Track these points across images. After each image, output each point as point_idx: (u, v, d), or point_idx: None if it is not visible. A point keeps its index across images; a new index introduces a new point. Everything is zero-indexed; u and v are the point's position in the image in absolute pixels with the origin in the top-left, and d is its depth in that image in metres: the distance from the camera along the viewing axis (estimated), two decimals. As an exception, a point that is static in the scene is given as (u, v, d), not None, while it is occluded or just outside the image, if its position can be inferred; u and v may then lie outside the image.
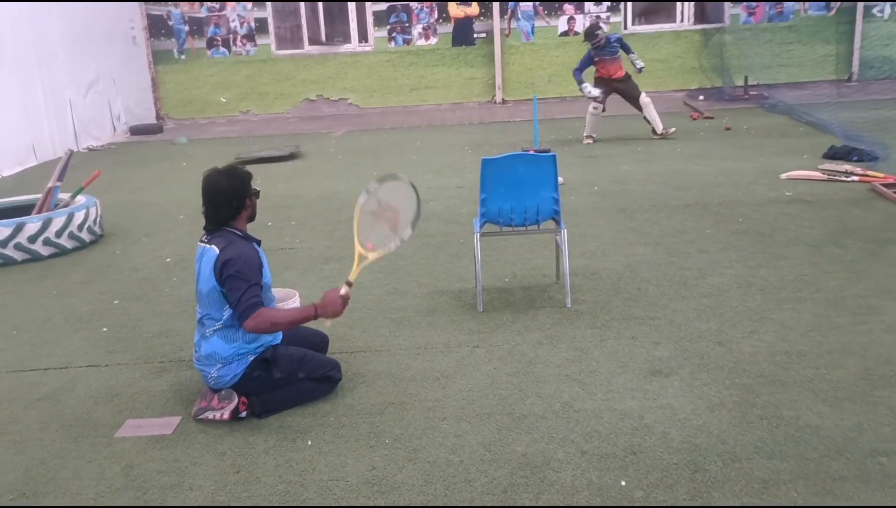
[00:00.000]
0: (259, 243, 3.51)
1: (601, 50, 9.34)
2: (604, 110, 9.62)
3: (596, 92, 9.30)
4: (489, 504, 2.67)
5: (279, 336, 3.49)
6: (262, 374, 3.34)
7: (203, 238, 3.42)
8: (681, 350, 3.74)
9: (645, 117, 9.55)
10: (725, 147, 8.80)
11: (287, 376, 3.37)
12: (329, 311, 3.24)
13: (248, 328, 3.20)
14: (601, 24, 9.39)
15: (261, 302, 3.22)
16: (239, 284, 3.19)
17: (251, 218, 3.50)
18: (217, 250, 3.28)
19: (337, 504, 2.72)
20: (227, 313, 3.30)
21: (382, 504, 2.71)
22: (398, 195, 3.42)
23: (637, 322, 4.10)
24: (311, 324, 3.41)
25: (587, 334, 3.99)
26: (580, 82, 9.39)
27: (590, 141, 9.59)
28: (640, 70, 9.46)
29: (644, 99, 9.42)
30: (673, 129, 9.62)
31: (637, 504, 2.61)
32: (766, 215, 5.93)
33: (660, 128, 9.47)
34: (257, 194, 3.49)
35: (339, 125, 12.79)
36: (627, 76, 9.49)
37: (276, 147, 10.41)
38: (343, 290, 3.26)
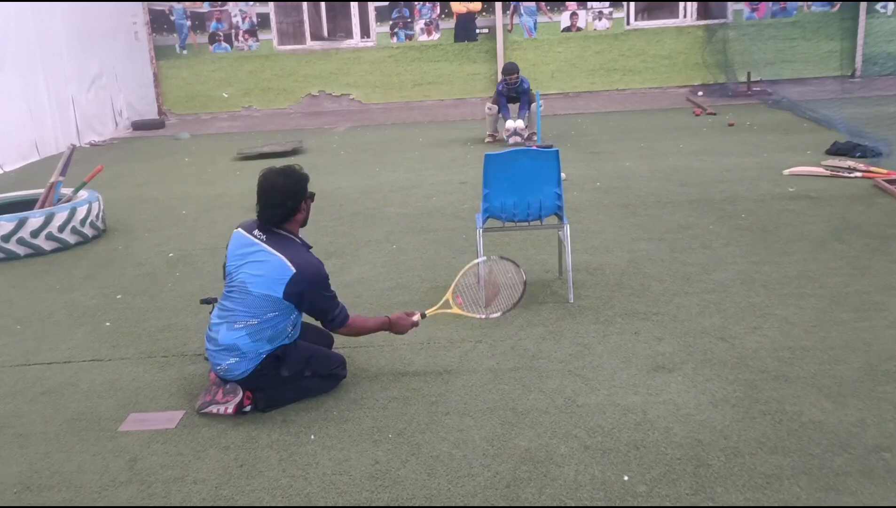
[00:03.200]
0: (311, 248, 3.48)
1: (511, 87, 9.42)
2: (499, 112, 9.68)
3: (516, 130, 9.31)
4: (492, 498, 2.67)
5: (297, 335, 3.47)
6: (270, 372, 3.33)
7: (256, 234, 3.33)
8: (684, 346, 3.74)
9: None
10: (728, 143, 8.79)
11: (294, 374, 3.36)
12: (397, 328, 3.55)
13: (341, 333, 3.49)
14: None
15: (347, 311, 3.43)
16: (329, 300, 3.36)
17: (304, 222, 3.47)
18: (286, 262, 3.21)
19: (340, 498, 2.73)
20: (270, 315, 3.24)
21: (386, 498, 2.71)
22: (508, 282, 3.67)
23: (640, 318, 4.10)
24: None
25: (590, 329, 3.99)
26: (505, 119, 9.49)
27: (490, 139, 9.72)
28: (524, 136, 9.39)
29: (533, 108, 9.34)
30: (488, 138, 9.67)
31: (640, 499, 2.61)
32: (770, 211, 5.93)
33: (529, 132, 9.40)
34: (313, 197, 3.47)
35: (341, 121, 12.78)
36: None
37: (279, 143, 10.41)
38: (416, 317, 3.58)
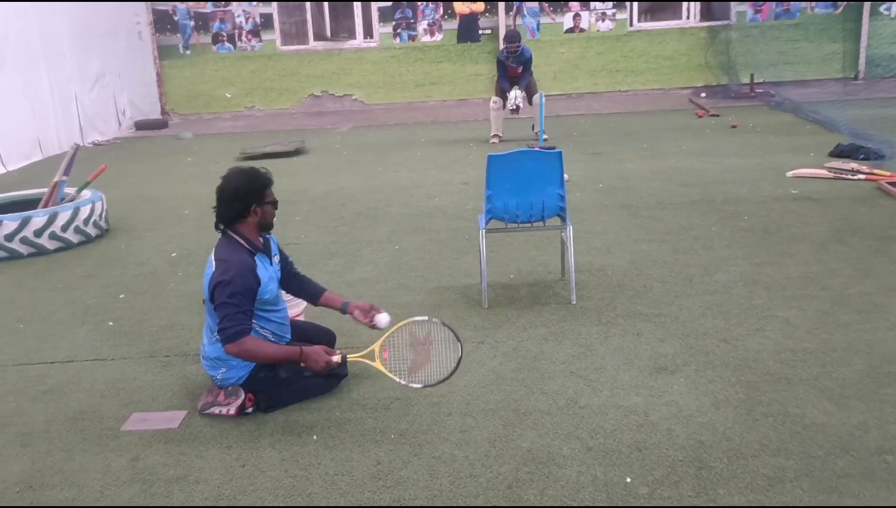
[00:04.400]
0: (268, 254, 3.38)
1: (512, 56, 9.39)
2: (504, 107, 9.65)
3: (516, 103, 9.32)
4: (494, 499, 2.67)
5: (288, 336, 3.47)
6: (267, 375, 3.33)
7: (216, 240, 3.35)
8: (686, 347, 3.74)
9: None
10: (731, 145, 8.78)
11: (293, 375, 3.36)
12: (310, 362, 3.24)
13: (228, 352, 3.17)
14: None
15: (247, 329, 3.15)
16: (225, 309, 3.11)
17: (265, 228, 3.35)
18: (214, 265, 3.20)
19: (342, 498, 2.73)
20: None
21: (388, 498, 2.71)
22: (444, 355, 3.25)
23: (642, 319, 4.10)
24: (315, 320, 3.39)
25: (592, 330, 3.99)
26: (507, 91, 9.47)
27: (496, 140, 9.68)
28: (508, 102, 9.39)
29: (536, 99, 9.31)
30: (493, 139, 9.61)
31: (642, 500, 2.61)
32: (772, 213, 5.92)
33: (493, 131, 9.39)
34: (274, 204, 3.34)
35: (343, 121, 12.78)
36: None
37: (281, 143, 10.42)
38: (336, 357, 3.27)
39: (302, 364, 3.28)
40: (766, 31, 13.43)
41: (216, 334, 3.24)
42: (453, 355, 3.23)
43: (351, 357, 3.31)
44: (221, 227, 3.32)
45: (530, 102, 9.43)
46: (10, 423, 3.40)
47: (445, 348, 3.26)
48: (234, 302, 3.11)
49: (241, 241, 3.28)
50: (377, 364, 3.26)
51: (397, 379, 3.24)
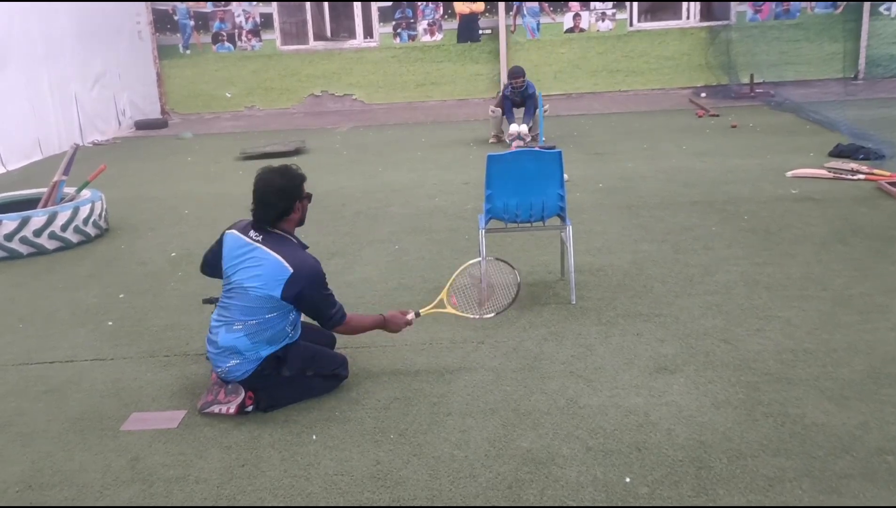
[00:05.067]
0: (307, 248, 3.47)
1: (517, 91, 9.36)
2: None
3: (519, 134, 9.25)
4: (494, 499, 2.67)
5: (297, 335, 3.47)
6: (271, 372, 3.33)
7: (252, 235, 3.32)
8: (686, 347, 3.74)
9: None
10: (731, 145, 8.78)
11: (295, 374, 3.36)
12: (392, 326, 3.57)
13: (337, 331, 3.49)
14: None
15: (344, 310, 3.43)
16: (326, 299, 3.34)
17: (300, 222, 3.45)
18: (283, 262, 3.21)
19: (342, 498, 2.73)
20: (268, 315, 3.24)
21: (387, 498, 2.71)
22: (503, 282, 3.69)
23: (642, 319, 4.10)
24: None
25: (592, 330, 3.99)
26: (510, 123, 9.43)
27: (495, 140, 9.73)
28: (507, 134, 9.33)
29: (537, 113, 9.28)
30: (492, 139, 9.54)
31: (642, 501, 2.61)
32: (773, 213, 5.92)
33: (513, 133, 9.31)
34: (309, 197, 3.45)
35: (344, 121, 12.78)
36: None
37: (281, 142, 10.42)
38: (410, 316, 3.60)
39: (385, 329, 3.57)
40: (767, 31, 13.43)
41: (246, 324, 3.24)
42: (513, 281, 3.70)
43: (424, 311, 3.65)
44: (259, 226, 3.34)
45: (532, 137, 9.37)
46: (10, 423, 3.40)
47: (503, 277, 3.73)
48: (328, 292, 3.37)
49: (290, 237, 3.38)
50: (449, 310, 3.65)
51: (471, 316, 3.70)
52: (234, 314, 3.29)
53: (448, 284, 3.71)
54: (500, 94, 9.65)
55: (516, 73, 9.37)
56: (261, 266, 3.24)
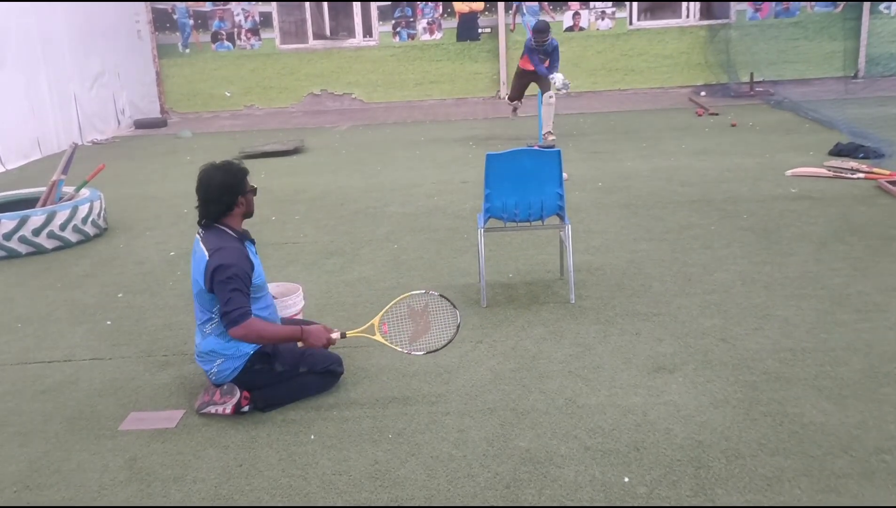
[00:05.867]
0: (254, 242, 3.47)
1: (541, 48, 9.20)
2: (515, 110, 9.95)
3: (564, 83, 9.16)
4: (492, 499, 2.66)
5: (277, 321, 3.46)
6: (263, 367, 3.33)
7: (199, 232, 3.38)
8: (685, 347, 3.73)
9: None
10: (730, 143, 8.78)
11: (289, 369, 3.36)
12: (311, 340, 3.33)
13: (234, 335, 3.21)
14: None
15: (249, 311, 3.21)
16: (228, 292, 3.16)
17: (247, 215, 3.45)
18: (207, 254, 3.22)
19: (339, 498, 2.72)
20: (217, 310, 3.27)
21: (385, 498, 2.70)
22: (441, 323, 3.42)
23: (641, 318, 4.09)
24: (313, 320, 3.40)
25: (591, 329, 3.99)
26: (547, 75, 9.22)
27: (513, 116, 10.11)
28: (554, 87, 9.23)
29: (548, 99, 9.16)
30: (553, 137, 9.32)
31: (640, 500, 2.61)
32: (772, 212, 5.92)
33: (543, 131, 9.22)
34: (254, 191, 3.44)
35: (343, 120, 12.78)
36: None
37: (281, 141, 10.41)
38: (335, 335, 3.39)
39: (300, 344, 3.35)
40: (766, 30, 13.42)
41: (210, 324, 3.29)
42: (452, 321, 3.39)
43: (350, 333, 3.41)
44: (204, 222, 3.37)
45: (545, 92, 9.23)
46: (7, 422, 3.39)
47: (444, 316, 3.41)
48: (235, 285, 3.17)
49: (228, 230, 3.35)
50: (378, 337, 3.39)
51: (399, 349, 3.38)
52: (199, 317, 3.35)
53: (383, 311, 3.45)
54: (525, 48, 9.41)
55: (542, 28, 9.02)
56: (198, 261, 3.28)
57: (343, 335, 3.40)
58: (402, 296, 3.45)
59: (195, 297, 3.34)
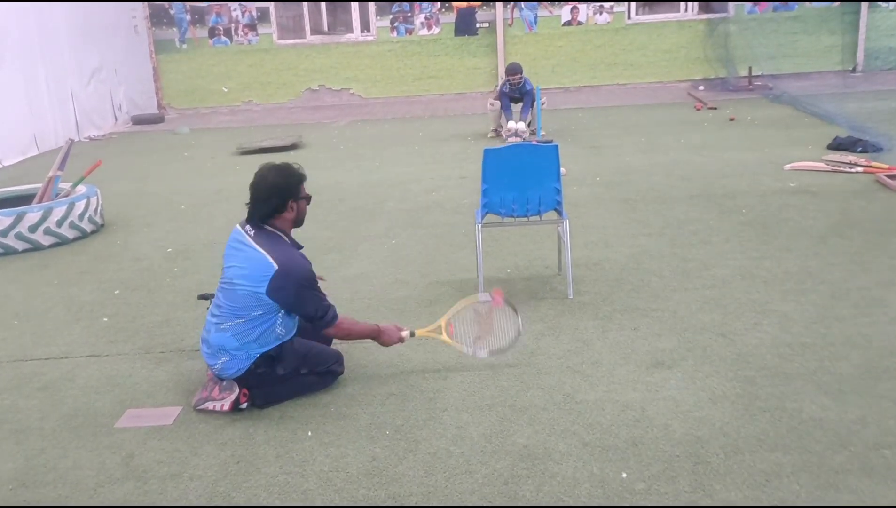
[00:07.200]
0: (301, 248, 3.43)
1: (514, 89, 9.32)
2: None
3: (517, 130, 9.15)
4: (490, 495, 2.66)
5: (290, 335, 3.45)
6: (265, 370, 3.31)
7: (247, 229, 3.31)
8: (683, 342, 3.72)
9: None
10: (729, 138, 8.76)
11: (290, 372, 3.34)
12: (385, 339, 3.51)
13: (328, 334, 3.42)
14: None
15: (336, 312, 3.36)
16: (313, 297, 3.28)
17: (297, 223, 3.40)
18: (270, 259, 3.18)
19: (337, 495, 2.71)
20: (255, 313, 3.22)
21: (383, 495, 2.70)
22: (505, 327, 3.62)
23: (639, 314, 4.08)
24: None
25: (589, 325, 3.98)
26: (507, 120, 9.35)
27: (493, 134, 9.69)
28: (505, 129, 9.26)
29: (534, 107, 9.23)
30: (491, 133, 9.44)
31: (638, 496, 2.60)
32: (770, 206, 5.91)
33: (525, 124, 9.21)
34: (308, 199, 3.40)
35: (341, 115, 12.75)
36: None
37: (278, 137, 10.38)
38: (405, 333, 3.55)
39: (374, 339, 3.51)
40: (765, 24, 13.39)
41: (234, 321, 3.22)
42: (513, 327, 3.60)
43: (419, 332, 3.58)
44: (253, 221, 3.32)
45: (531, 131, 9.29)
46: (3, 420, 3.38)
47: (506, 321, 3.62)
48: (317, 292, 3.31)
49: (282, 236, 3.33)
50: (444, 338, 3.57)
51: (463, 350, 3.57)
52: (223, 313, 3.29)
53: (451, 311, 3.63)
54: (498, 88, 9.59)
55: (513, 69, 9.31)
56: (249, 262, 3.22)
57: (413, 334, 3.56)
58: (470, 300, 3.65)
59: (233, 292, 3.24)
